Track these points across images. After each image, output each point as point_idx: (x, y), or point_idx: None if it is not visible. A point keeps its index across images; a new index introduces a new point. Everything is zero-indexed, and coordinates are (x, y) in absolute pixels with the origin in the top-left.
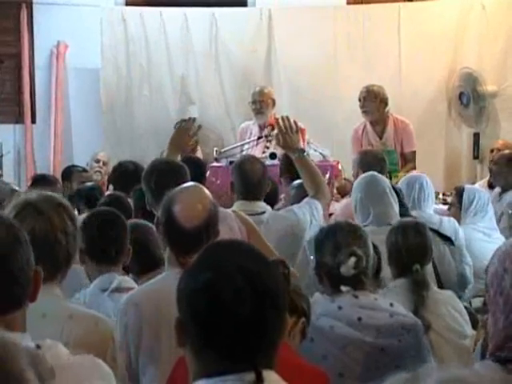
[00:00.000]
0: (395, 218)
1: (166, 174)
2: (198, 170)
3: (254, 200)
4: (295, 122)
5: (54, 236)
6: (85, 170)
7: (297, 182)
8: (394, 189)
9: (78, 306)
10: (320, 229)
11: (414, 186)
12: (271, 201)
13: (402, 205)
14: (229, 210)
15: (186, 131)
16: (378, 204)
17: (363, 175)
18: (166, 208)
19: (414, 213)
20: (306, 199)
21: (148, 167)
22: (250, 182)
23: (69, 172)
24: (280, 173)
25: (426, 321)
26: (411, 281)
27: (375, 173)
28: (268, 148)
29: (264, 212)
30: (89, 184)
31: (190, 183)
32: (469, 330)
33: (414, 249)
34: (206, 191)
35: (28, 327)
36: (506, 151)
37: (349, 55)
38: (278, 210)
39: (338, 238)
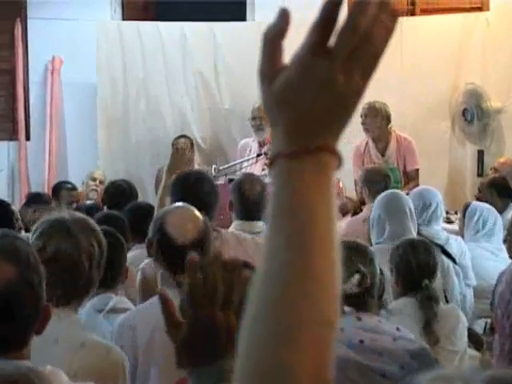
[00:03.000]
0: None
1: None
2: None
3: (252, 220)
4: None
5: (78, 259)
6: (74, 188)
7: None
8: None
9: (91, 334)
10: None
11: (430, 203)
12: None
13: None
14: (248, 236)
15: (182, 156)
16: (394, 222)
17: (386, 192)
18: (158, 227)
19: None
20: None
21: None
22: (249, 201)
23: (58, 189)
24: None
25: (436, 336)
26: (421, 297)
27: (399, 191)
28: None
29: (262, 231)
30: (87, 203)
31: (179, 203)
32: (463, 344)
33: (424, 264)
34: (194, 209)
35: (40, 351)
36: (490, 176)
37: None
38: None
39: (341, 255)
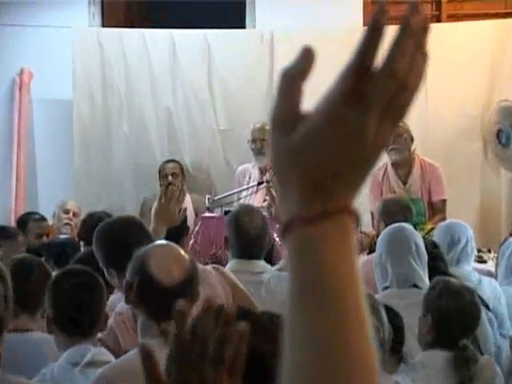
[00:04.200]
0: (420, 279)
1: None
2: (176, 226)
3: (252, 258)
4: None
5: None
6: (43, 219)
7: None
8: (433, 243)
9: (17, 377)
10: None
11: (459, 239)
12: (270, 259)
13: (441, 259)
14: (208, 267)
15: (171, 196)
16: (397, 263)
17: (390, 227)
18: (138, 267)
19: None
20: None
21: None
22: (248, 237)
23: (24, 221)
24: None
25: None
26: (456, 356)
27: (405, 225)
28: None
29: (263, 272)
30: (61, 237)
31: (162, 241)
32: None
33: (467, 320)
34: (180, 248)
35: None
36: None
37: None
38: (280, 269)
39: None
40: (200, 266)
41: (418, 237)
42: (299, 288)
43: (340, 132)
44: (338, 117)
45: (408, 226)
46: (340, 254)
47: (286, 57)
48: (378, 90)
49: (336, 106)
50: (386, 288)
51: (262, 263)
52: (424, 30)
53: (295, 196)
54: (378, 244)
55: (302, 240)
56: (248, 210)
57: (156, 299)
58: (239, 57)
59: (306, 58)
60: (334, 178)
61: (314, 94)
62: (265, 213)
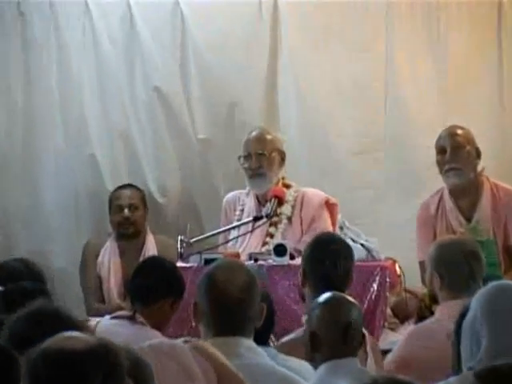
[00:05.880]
0: None
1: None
2: None
3: (233, 335)
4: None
5: None
6: None
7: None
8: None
9: None
10: None
11: None
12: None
13: None
14: (179, 342)
15: None
16: (497, 334)
17: (493, 283)
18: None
19: None
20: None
21: None
22: (225, 305)
23: None
24: (302, 280)
25: None
26: None
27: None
28: (272, 237)
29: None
30: None
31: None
32: None
33: None
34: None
35: None
36: None
37: (410, 73)
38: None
39: None
40: (165, 341)
41: None
42: None
43: None
44: None
45: None
46: None
47: (295, 33)
48: None
49: None
50: (471, 369)
51: (248, 343)
52: None
53: None
54: (473, 304)
55: None
56: (227, 264)
57: None
58: (227, 33)
59: None
60: None
61: (327, 71)
62: (270, 261)
